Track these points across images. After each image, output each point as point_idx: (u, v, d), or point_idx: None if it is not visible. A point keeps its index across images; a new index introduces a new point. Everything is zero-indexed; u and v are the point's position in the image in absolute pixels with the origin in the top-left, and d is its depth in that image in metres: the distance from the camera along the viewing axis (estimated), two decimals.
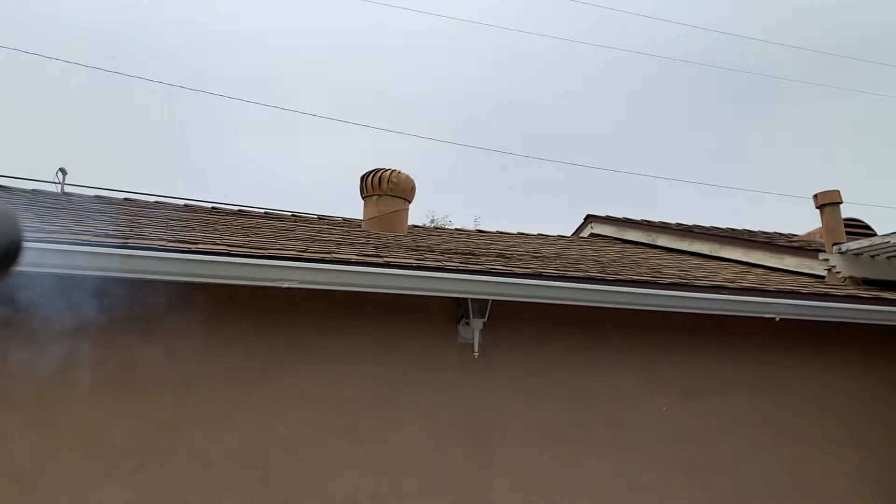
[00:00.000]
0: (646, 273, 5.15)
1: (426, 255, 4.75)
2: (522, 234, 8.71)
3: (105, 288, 3.77)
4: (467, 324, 4.50)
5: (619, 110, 37.51)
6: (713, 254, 7.45)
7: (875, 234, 6.45)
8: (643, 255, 7.22)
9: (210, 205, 7.67)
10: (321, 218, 7.86)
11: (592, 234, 9.66)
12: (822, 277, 6.09)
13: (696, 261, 7.03)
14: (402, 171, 7.11)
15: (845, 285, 5.79)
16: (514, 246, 6.88)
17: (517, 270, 4.38)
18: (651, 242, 8.43)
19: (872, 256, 5.96)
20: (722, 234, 7.74)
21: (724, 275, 5.69)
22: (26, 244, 0.63)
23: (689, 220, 9.06)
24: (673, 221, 8.89)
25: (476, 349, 4.49)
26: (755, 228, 9.15)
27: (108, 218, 5.20)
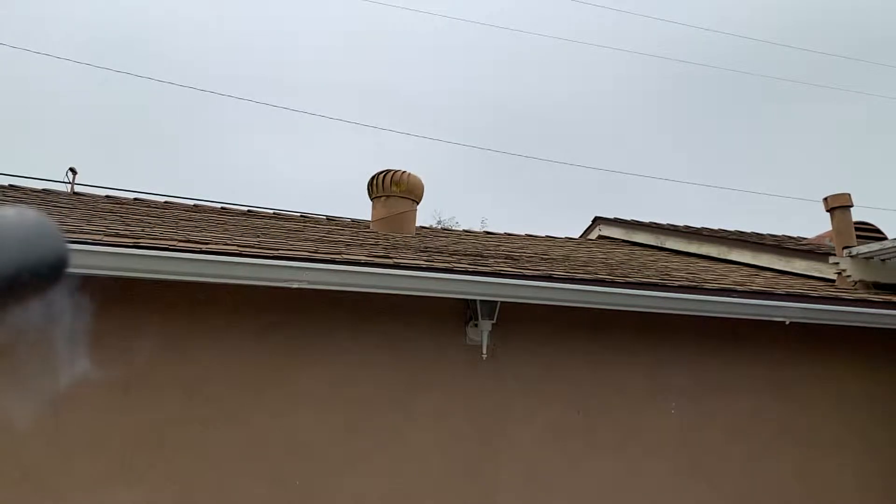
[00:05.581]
0: (654, 276, 5.13)
1: (435, 257, 4.75)
2: (530, 235, 8.70)
3: (115, 288, 3.79)
4: (476, 325, 4.50)
5: (621, 111, 37.46)
6: (722, 256, 7.42)
7: (886, 238, 6.41)
8: (651, 258, 7.20)
9: (219, 205, 7.70)
10: (330, 219, 7.87)
11: (600, 236, 9.64)
12: (832, 281, 6.06)
13: (704, 263, 7.01)
14: (411, 172, 7.12)
15: (855, 289, 5.76)
16: (523, 248, 6.88)
17: (526, 272, 4.37)
18: (659, 245, 8.41)
19: (883, 260, 5.93)
20: (730, 237, 7.71)
21: (733, 278, 5.67)
22: (70, 258, 0.64)
23: (688, 221, 9.04)
24: (681, 224, 8.87)
25: (484, 350, 4.49)
26: (763, 231, 9.12)
27: (118, 218, 5.22)
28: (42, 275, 0.61)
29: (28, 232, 0.61)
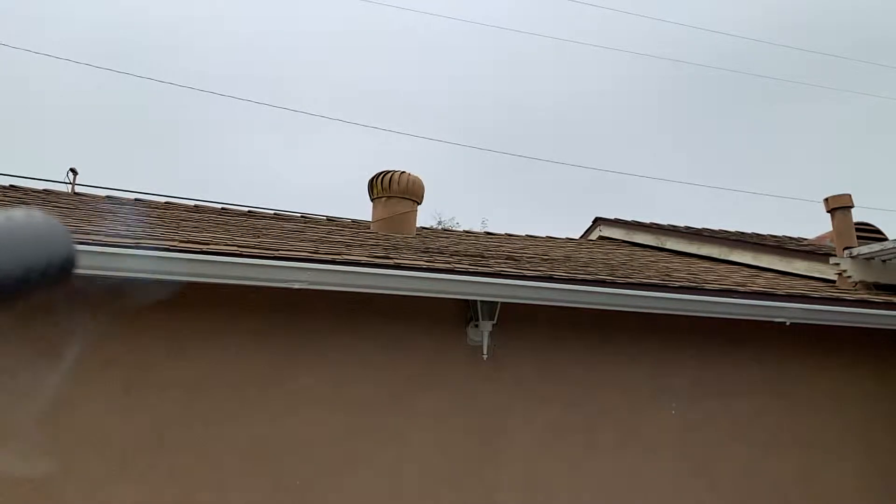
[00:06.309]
0: (655, 276, 5.13)
1: (435, 257, 4.75)
2: (531, 236, 8.70)
3: (116, 288, 3.78)
4: (476, 326, 4.50)
5: (621, 111, 37.43)
6: (722, 257, 7.41)
7: (886, 239, 6.41)
8: (652, 259, 7.20)
9: (220, 206, 7.70)
10: (330, 219, 7.88)
11: (601, 237, 9.64)
12: (833, 282, 6.05)
13: (705, 264, 7.01)
14: (411, 173, 7.12)
15: (856, 290, 5.76)
16: (523, 248, 6.88)
17: (527, 273, 4.37)
18: (660, 245, 8.40)
19: (884, 261, 5.93)
20: (731, 238, 7.71)
21: (734, 278, 5.67)
22: (78, 259, 0.65)
23: (688, 221, 9.04)
24: (681, 224, 8.87)
25: (485, 351, 4.49)
26: (764, 231, 9.12)
27: (118, 218, 5.22)
28: (50, 275, 0.62)
29: (36, 232, 0.62)
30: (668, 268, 6.13)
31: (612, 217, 9.56)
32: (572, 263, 5.60)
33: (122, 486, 3.78)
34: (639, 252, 7.97)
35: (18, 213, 0.61)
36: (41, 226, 0.62)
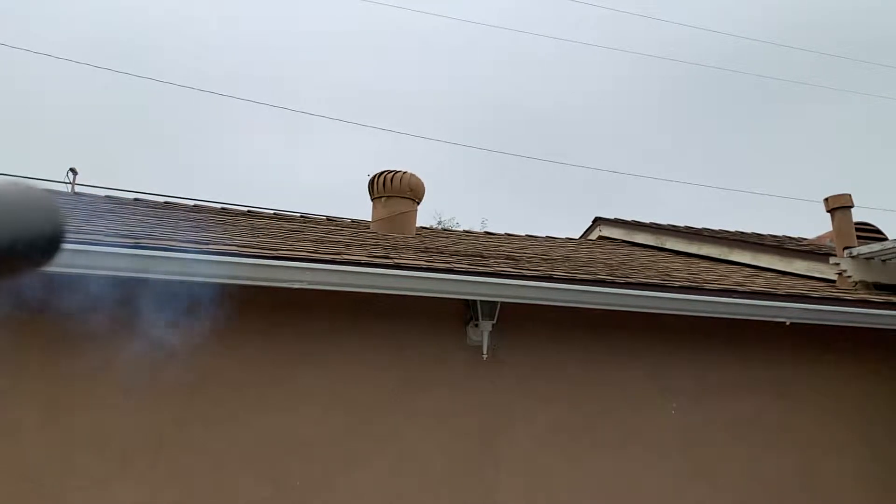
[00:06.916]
0: (655, 276, 5.13)
1: (435, 257, 4.75)
2: (531, 236, 8.70)
3: (116, 288, 3.78)
4: (476, 325, 4.49)
5: (622, 111, 37.37)
6: (722, 257, 7.41)
7: (886, 239, 6.41)
8: (652, 258, 7.20)
9: (219, 205, 7.69)
10: (330, 219, 7.87)
11: (601, 237, 9.63)
12: (833, 282, 6.05)
13: (705, 264, 7.01)
14: (411, 173, 7.11)
15: (856, 290, 5.76)
16: (523, 248, 6.88)
17: (526, 273, 4.37)
18: (660, 245, 8.40)
19: (884, 261, 5.93)
20: (731, 238, 7.71)
21: (734, 278, 5.67)
22: (66, 234, 0.63)
23: (688, 221, 9.03)
24: (681, 224, 8.86)
25: (485, 351, 4.49)
26: (764, 231, 9.11)
27: (118, 218, 5.22)
28: (38, 248, 0.60)
29: (24, 203, 0.60)
30: (668, 268, 6.13)
31: (612, 217, 9.56)
32: (572, 263, 5.60)
33: (122, 486, 3.78)
34: (639, 252, 7.97)
35: (5, 183, 0.59)
36: (29, 196, 0.61)
